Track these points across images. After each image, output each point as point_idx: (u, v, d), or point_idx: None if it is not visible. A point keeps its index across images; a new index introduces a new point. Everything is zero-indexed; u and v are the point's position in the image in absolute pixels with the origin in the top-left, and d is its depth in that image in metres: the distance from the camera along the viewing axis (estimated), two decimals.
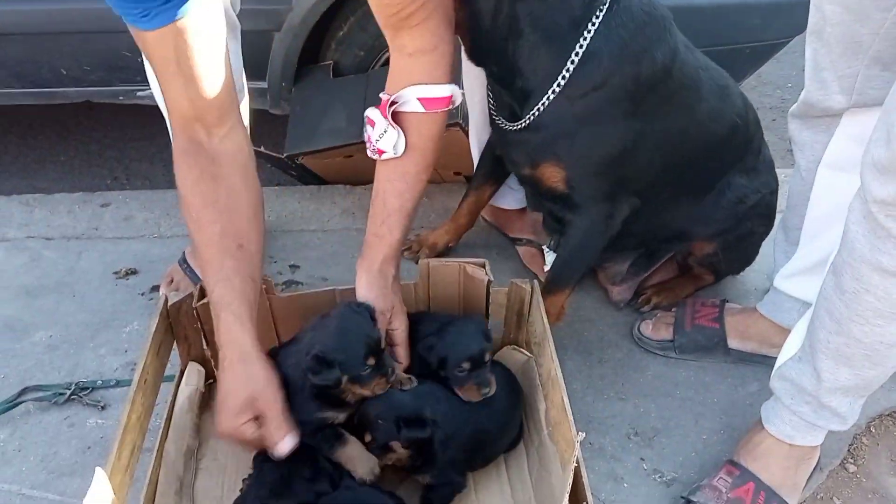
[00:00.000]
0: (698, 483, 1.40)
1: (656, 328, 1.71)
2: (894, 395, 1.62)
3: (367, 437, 1.32)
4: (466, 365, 1.35)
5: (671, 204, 1.62)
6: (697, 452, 1.51)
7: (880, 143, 1.02)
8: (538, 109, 1.42)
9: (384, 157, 1.34)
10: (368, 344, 1.27)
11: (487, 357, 1.37)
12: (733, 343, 1.67)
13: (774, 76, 3.16)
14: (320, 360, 1.26)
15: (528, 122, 1.45)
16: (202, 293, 1.44)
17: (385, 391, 1.29)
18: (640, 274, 1.79)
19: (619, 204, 1.53)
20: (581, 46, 1.35)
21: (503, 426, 1.41)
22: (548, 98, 1.39)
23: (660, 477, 1.47)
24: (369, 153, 1.37)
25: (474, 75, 1.61)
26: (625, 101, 1.40)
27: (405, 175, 1.36)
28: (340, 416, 1.32)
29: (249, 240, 1.31)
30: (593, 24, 1.34)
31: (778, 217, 1.68)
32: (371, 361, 1.27)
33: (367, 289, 1.36)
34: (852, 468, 1.51)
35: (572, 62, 1.36)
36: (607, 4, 1.35)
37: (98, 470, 1.02)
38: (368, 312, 1.31)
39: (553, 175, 1.49)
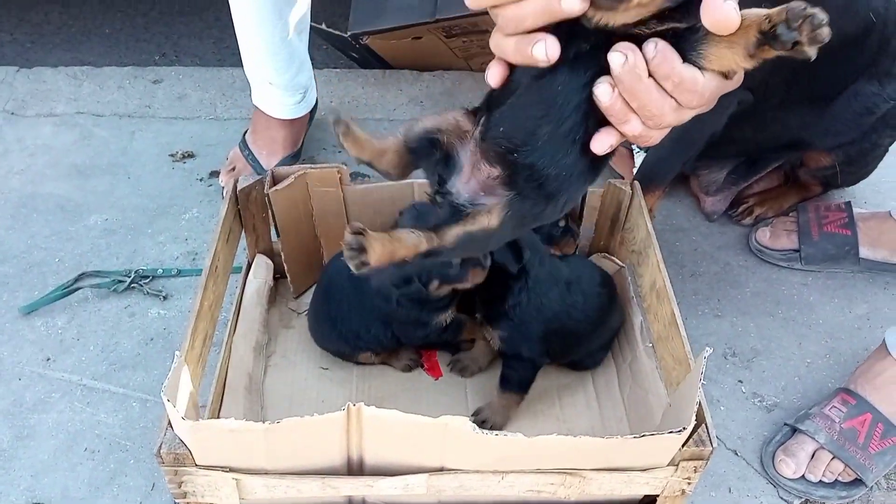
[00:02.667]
0: (806, 410, 1.29)
1: (776, 236, 1.57)
2: None
3: None
4: (562, 222, 1.30)
5: (785, 110, 1.44)
6: (800, 377, 1.39)
7: None
8: None
9: None
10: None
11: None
12: (864, 251, 1.53)
13: None
14: (403, 277, 1.16)
15: None
16: (274, 180, 1.32)
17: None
18: (739, 183, 1.63)
19: None
20: None
21: (594, 323, 1.28)
22: None
23: (759, 401, 1.36)
24: None
25: None
26: None
27: None
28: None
29: None
30: None
31: None
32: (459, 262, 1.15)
33: None
34: None
35: None
36: None
37: (178, 356, 0.93)
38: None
39: None
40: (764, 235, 1.58)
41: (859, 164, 1.56)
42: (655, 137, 0.82)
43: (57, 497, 1.20)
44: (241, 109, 1.91)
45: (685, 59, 0.74)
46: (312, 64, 1.72)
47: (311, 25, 1.69)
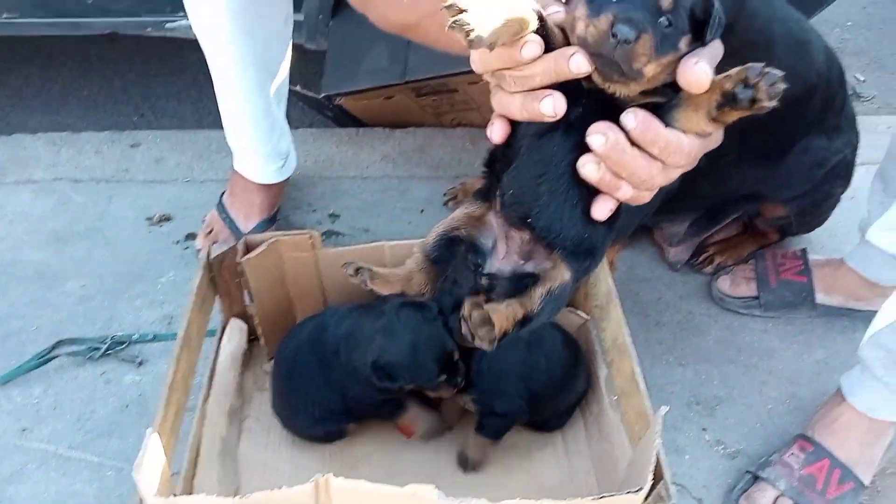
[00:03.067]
0: (767, 458, 1.33)
1: (735, 284, 1.62)
2: None
3: None
4: None
5: (740, 166, 1.50)
6: (762, 423, 1.43)
7: None
8: None
9: None
10: (441, 360, 1.17)
11: None
12: (820, 297, 1.58)
13: (834, 14, 2.96)
14: (385, 371, 1.18)
15: None
16: (247, 247, 1.36)
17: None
18: (700, 234, 1.68)
19: None
20: None
21: (558, 385, 1.32)
22: None
23: (723, 449, 1.40)
24: None
25: None
26: None
27: None
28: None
29: None
30: None
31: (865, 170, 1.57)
32: (443, 378, 1.18)
33: None
34: None
35: None
36: None
37: (150, 433, 0.96)
38: (440, 316, 1.17)
39: None
40: (724, 283, 1.63)
41: (813, 214, 1.62)
42: (646, 197, 0.86)
43: None
44: (218, 171, 1.95)
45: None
46: (289, 124, 1.77)
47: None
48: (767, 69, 0.75)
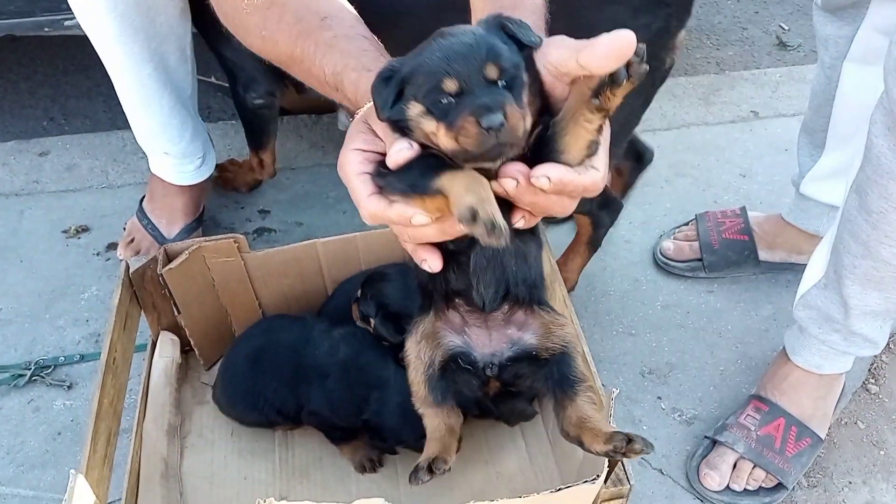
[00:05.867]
0: (723, 421, 1.32)
1: (679, 249, 1.61)
2: None
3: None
4: None
5: None
6: (716, 386, 1.43)
7: None
8: None
9: None
10: None
11: None
12: (763, 254, 1.57)
13: None
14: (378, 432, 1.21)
15: None
16: (168, 257, 1.28)
17: None
18: None
19: None
20: None
21: None
22: None
23: (679, 415, 1.39)
24: None
25: None
26: None
27: None
28: None
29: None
30: None
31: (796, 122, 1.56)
32: None
33: None
34: (874, 389, 1.44)
35: None
36: None
37: (74, 475, 0.89)
38: None
39: None
40: (668, 249, 1.61)
41: None
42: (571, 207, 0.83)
43: None
44: (136, 174, 1.85)
45: (554, 160, 0.75)
46: (207, 116, 1.68)
47: (199, 80, 1.64)
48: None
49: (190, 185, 1.63)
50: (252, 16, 0.95)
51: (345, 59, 0.88)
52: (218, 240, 1.29)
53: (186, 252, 1.27)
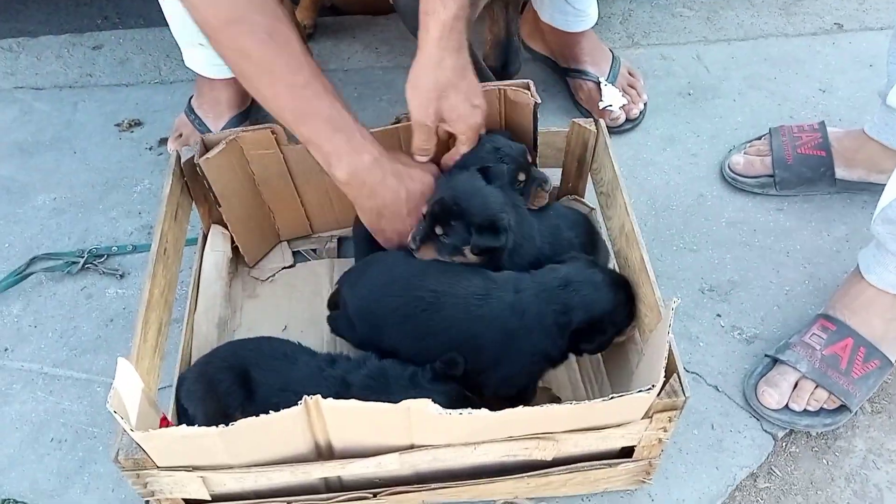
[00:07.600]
0: (786, 340, 1.26)
1: (750, 164, 1.51)
2: None
3: (439, 230, 1.14)
4: (521, 175, 1.22)
5: None
6: (780, 306, 1.36)
7: None
8: None
9: None
10: None
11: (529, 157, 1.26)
12: (840, 172, 1.48)
13: None
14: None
15: None
16: (205, 147, 1.25)
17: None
18: None
19: None
20: None
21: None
22: None
23: (739, 334, 1.33)
24: None
25: None
26: None
27: None
28: None
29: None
30: None
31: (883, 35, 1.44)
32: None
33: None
34: None
35: None
36: None
37: (120, 361, 0.88)
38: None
39: None
40: (738, 163, 1.53)
41: None
42: None
43: (26, 490, 1.17)
44: (188, 71, 1.79)
45: None
46: None
47: None
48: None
49: (233, 78, 1.58)
50: None
51: None
52: (256, 129, 1.25)
53: (223, 142, 1.23)
